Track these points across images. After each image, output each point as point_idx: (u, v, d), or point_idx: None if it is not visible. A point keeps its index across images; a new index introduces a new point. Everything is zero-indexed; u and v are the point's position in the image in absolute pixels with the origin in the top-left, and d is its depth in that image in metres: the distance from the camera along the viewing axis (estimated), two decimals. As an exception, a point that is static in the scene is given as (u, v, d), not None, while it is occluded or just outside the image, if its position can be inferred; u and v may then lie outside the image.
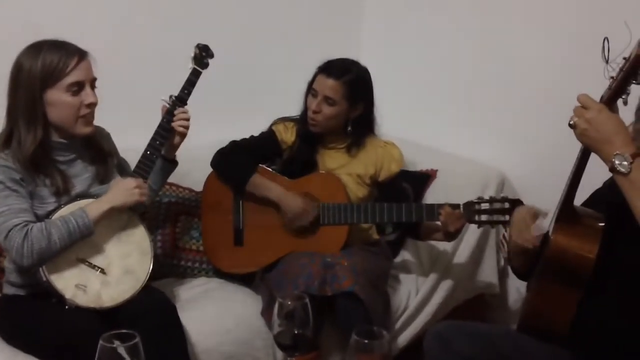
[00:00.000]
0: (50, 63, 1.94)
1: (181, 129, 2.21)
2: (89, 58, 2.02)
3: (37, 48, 1.97)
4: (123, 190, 2.06)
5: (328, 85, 2.39)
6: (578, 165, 1.64)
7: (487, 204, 2.32)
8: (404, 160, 2.55)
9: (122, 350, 1.23)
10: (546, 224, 1.75)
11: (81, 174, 2.10)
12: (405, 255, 2.84)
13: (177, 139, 2.24)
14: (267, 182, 2.45)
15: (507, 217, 2.27)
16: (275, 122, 2.57)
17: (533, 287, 1.78)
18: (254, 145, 2.53)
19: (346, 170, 2.50)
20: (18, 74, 1.97)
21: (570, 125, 1.52)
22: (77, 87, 1.99)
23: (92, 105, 2.03)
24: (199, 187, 2.63)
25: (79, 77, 1.98)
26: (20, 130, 1.97)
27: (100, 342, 1.22)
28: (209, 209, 2.57)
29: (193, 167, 2.59)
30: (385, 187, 2.52)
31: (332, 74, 2.39)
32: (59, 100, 1.97)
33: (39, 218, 1.97)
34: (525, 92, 2.83)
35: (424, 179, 2.90)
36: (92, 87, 2.04)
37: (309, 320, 1.47)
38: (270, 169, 2.53)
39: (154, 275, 2.14)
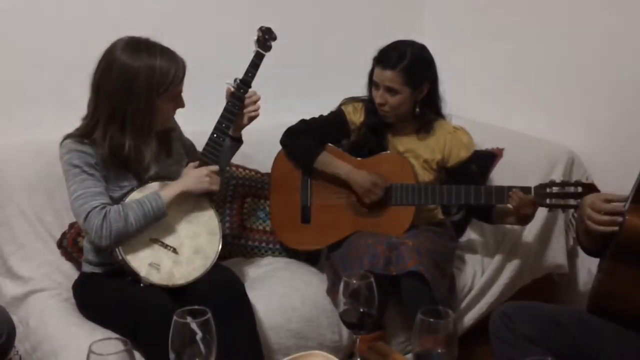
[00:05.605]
0: (167, 72, 1.98)
1: (253, 113, 2.26)
2: None
3: (150, 52, 1.98)
4: (195, 178, 2.13)
5: (386, 77, 2.36)
6: None
7: (559, 188, 2.26)
8: (474, 145, 2.52)
9: (194, 326, 1.27)
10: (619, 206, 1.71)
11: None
12: (470, 235, 2.81)
13: (246, 121, 2.29)
14: (335, 160, 2.47)
15: (579, 202, 2.18)
16: (344, 102, 2.57)
17: (605, 267, 1.75)
18: (323, 124, 2.54)
19: (413, 154, 2.49)
20: (123, 75, 1.96)
21: None
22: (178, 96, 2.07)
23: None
24: (264, 169, 2.68)
25: (182, 86, 2.05)
26: (112, 129, 2.00)
27: (175, 317, 1.27)
28: (277, 185, 2.61)
29: (258, 150, 2.63)
30: (455, 172, 2.50)
31: (388, 64, 2.36)
32: (163, 108, 2.04)
33: (114, 200, 2.05)
34: (596, 70, 2.72)
35: (490, 158, 2.85)
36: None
37: (374, 299, 1.49)
38: (339, 149, 2.54)
39: (222, 255, 2.19)
